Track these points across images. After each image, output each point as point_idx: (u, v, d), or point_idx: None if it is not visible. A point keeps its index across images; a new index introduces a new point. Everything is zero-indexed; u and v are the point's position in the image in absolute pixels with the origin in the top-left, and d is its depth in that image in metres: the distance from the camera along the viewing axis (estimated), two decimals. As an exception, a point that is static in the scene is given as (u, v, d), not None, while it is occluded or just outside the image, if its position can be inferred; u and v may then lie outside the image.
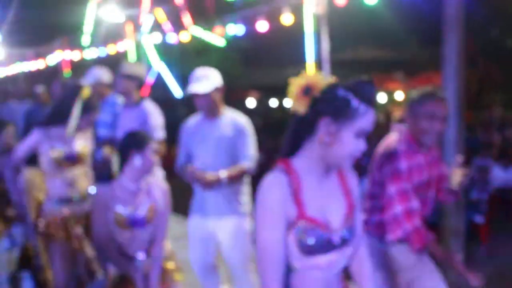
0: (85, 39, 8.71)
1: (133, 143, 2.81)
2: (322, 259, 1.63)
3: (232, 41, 7.56)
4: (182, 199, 6.30)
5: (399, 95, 15.37)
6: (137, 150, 2.77)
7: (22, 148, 3.37)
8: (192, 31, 6.84)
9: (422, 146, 2.55)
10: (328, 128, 1.58)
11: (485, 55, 16.58)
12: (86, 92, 3.35)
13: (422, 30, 14.05)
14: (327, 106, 1.58)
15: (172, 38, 7.27)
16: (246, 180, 3.33)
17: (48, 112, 3.48)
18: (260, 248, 1.61)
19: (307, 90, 1.60)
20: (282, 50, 13.66)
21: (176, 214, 5.73)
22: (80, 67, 8.84)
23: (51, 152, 3.31)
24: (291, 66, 14.72)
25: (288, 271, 1.64)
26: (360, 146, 1.61)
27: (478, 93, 15.30)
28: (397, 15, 12.92)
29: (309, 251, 1.60)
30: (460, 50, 5.18)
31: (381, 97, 15.73)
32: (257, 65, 16.16)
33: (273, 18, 5.33)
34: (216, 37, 6.77)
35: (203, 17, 7.18)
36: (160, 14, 7.33)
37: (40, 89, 7.05)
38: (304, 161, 1.64)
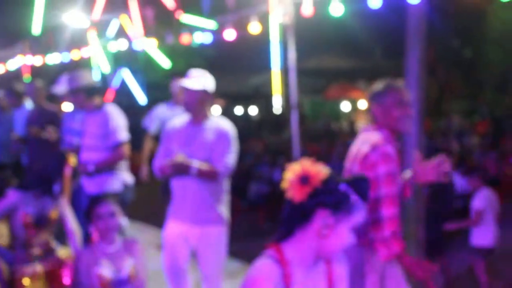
0: (34, 43, 8.47)
1: (91, 210, 2.81)
2: None
3: (198, 49, 7.58)
4: (148, 207, 6.25)
5: (362, 104, 15.65)
6: (97, 217, 2.78)
7: None
8: (141, 45, 6.82)
9: (396, 137, 2.58)
10: (326, 221, 1.57)
11: (445, 64, 17.09)
12: (72, 160, 3.32)
13: (385, 40, 14.39)
14: (328, 198, 1.57)
15: (138, 45, 7.22)
16: (226, 189, 3.31)
17: (30, 177, 3.41)
18: None
19: (304, 179, 1.58)
20: (248, 58, 13.73)
21: (144, 223, 5.67)
22: (41, 73, 8.65)
23: (24, 217, 3.21)
24: (257, 74, 14.83)
25: None
26: (351, 239, 1.61)
27: (438, 101, 15.73)
28: (362, 25, 13.21)
29: None
30: (421, 60, 5.33)
31: (345, 106, 15.98)
32: (222, 73, 16.13)
33: (240, 27, 5.37)
34: (162, 57, 6.80)
35: (169, 26, 7.17)
36: (126, 20, 7.28)
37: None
38: (295, 250, 1.62)
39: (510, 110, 14.60)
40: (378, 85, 2.63)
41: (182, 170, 3.07)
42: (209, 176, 3.13)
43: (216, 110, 17.45)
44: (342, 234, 1.59)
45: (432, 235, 4.10)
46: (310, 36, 10.99)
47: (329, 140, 9.82)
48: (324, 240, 1.58)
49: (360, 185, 1.60)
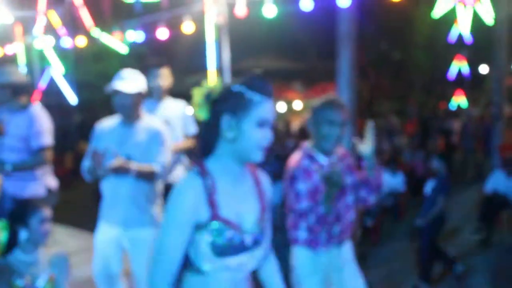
0: None
1: (16, 216, 2.66)
2: (233, 261, 1.64)
3: (131, 48, 7.39)
4: (75, 211, 6.03)
5: (298, 105, 15.92)
6: (22, 224, 2.62)
7: None
8: (94, 33, 6.56)
9: (326, 153, 2.62)
10: (229, 124, 1.62)
11: (375, 67, 17.70)
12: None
13: (320, 43, 14.70)
14: (224, 103, 1.63)
15: (67, 42, 6.95)
16: (159, 191, 3.25)
17: None
18: (160, 249, 1.63)
19: (208, 96, 1.65)
20: (183, 58, 13.60)
21: (70, 228, 5.47)
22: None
23: None
24: (192, 74, 14.72)
25: (195, 274, 1.65)
26: (266, 135, 1.64)
27: (369, 102, 16.26)
28: (297, 27, 13.42)
29: (221, 252, 1.61)
30: (352, 62, 5.48)
31: (281, 106, 16.17)
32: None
33: (174, 26, 5.29)
34: (118, 43, 6.57)
35: (100, 22, 6.95)
36: (54, 17, 6.98)
37: None
38: (218, 163, 1.67)
39: (436, 111, 15.33)
40: (320, 99, 2.68)
41: (121, 172, 2.98)
42: (147, 177, 3.07)
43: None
44: (250, 133, 1.63)
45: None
46: (246, 37, 11.03)
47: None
48: (236, 143, 1.64)
49: (255, 81, 1.66)
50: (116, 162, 2.96)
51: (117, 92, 3.09)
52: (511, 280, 4.65)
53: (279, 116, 15.80)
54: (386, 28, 16.30)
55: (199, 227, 1.61)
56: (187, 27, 5.10)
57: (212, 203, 1.61)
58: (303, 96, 15.67)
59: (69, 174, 9.78)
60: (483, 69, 19.62)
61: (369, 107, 15.56)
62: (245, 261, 1.69)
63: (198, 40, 5.69)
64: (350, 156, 2.81)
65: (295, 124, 14.21)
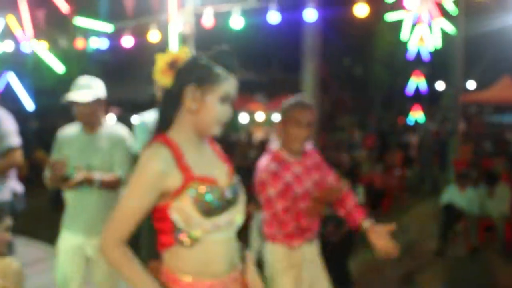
0: None
1: None
2: (222, 219, 1.64)
3: (94, 54, 7.29)
4: (30, 221, 5.86)
5: (260, 116, 16.01)
6: None
7: None
8: (29, 46, 6.42)
9: (294, 153, 2.65)
10: (194, 95, 1.62)
11: (338, 82, 18.05)
12: None
13: (284, 55, 14.87)
14: (190, 74, 1.62)
15: (26, 47, 6.79)
16: None
17: None
18: (120, 210, 1.60)
19: (172, 64, 1.64)
20: (147, 66, 13.46)
21: (25, 237, 5.31)
22: None
23: None
24: (155, 83, 14.59)
25: (189, 246, 1.62)
26: (226, 111, 1.69)
27: (331, 116, 16.53)
28: (262, 40, 13.53)
29: (209, 210, 1.60)
30: (316, 76, 5.59)
31: (243, 118, 16.22)
32: (119, 81, 15.71)
33: (139, 34, 5.25)
34: (55, 61, 6.44)
35: (62, 28, 6.84)
36: (12, 21, 6.81)
37: None
38: (179, 133, 1.67)
39: (395, 126, 15.72)
40: (289, 100, 2.71)
41: (84, 185, 2.91)
42: (112, 185, 3.02)
43: (111, 118, 16.93)
44: (212, 106, 1.64)
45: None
46: (210, 48, 11.04)
47: (227, 151, 9.89)
48: (198, 114, 1.65)
49: (224, 56, 1.69)
50: (78, 176, 2.89)
51: (73, 103, 3.01)
52: (465, 290, 4.80)
53: (242, 126, 15.86)
54: (349, 44, 16.67)
55: (176, 193, 1.59)
56: (153, 36, 5.07)
57: (183, 167, 1.60)
58: (266, 108, 15.78)
59: (24, 182, 9.49)
60: (440, 85, 20.30)
61: (331, 121, 15.80)
62: (233, 218, 1.69)
63: (162, 48, 5.68)
64: (317, 154, 2.85)
65: (257, 136, 14.27)
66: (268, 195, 2.57)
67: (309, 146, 2.78)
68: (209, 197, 1.61)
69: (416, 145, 11.82)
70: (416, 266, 5.50)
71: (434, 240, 6.08)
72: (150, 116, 3.10)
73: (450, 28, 7.16)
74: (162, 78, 1.66)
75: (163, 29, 5.04)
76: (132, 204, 1.59)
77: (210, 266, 1.65)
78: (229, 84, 1.67)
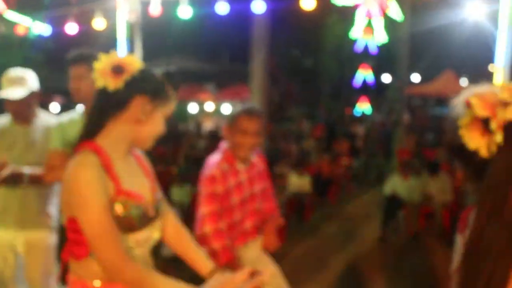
0: None
1: None
2: (141, 235, 1.63)
3: (36, 41, 7.03)
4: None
5: (210, 106, 15.94)
6: None
7: None
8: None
9: (241, 160, 2.65)
10: (144, 107, 1.60)
11: (286, 72, 18.19)
12: None
13: (233, 45, 14.85)
14: (144, 85, 1.60)
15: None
16: (57, 191, 3.10)
17: None
18: (94, 229, 1.50)
19: (119, 69, 1.59)
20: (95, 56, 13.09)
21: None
22: None
23: None
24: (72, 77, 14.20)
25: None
26: (163, 129, 1.70)
27: (279, 107, 16.67)
28: (211, 30, 13.44)
29: (131, 227, 1.58)
30: (264, 67, 5.64)
31: (193, 107, 16.11)
32: (63, 69, 15.20)
33: (84, 21, 5.11)
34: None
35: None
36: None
37: None
38: (109, 141, 1.61)
39: (342, 116, 16.05)
40: (238, 107, 2.72)
41: (13, 180, 2.81)
42: (41, 181, 2.92)
43: (55, 107, 16.42)
44: (157, 122, 1.65)
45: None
46: (159, 36, 10.88)
47: (176, 141, 9.83)
48: (140, 126, 1.62)
49: (173, 77, 1.70)
50: (4, 171, 2.78)
51: (3, 99, 2.89)
52: (406, 274, 5.00)
53: (191, 116, 15.75)
54: (298, 35, 16.82)
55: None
56: (98, 23, 4.95)
57: (113, 178, 1.57)
58: (216, 98, 15.73)
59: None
60: (386, 78, 20.85)
61: (279, 112, 15.95)
62: (151, 234, 1.69)
63: (108, 37, 5.54)
64: (263, 162, 2.88)
65: (207, 126, 14.23)
66: (214, 191, 2.55)
67: (255, 154, 2.79)
68: (134, 214, 1.59)
69: (363, 136, 12.14)
70: (360, 253, 5.69)
71: (377, 227, 6.30)
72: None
73: (399, 17, 7.35)
74: (102, 80, 1.59)
75: (109, 17, 4.93)
76: (104, 220, 1.50)
77: None
78: (173, 105, 1.69)
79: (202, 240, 2.54)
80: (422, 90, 17.02)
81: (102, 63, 1.61)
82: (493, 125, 1.05)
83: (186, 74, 15.12)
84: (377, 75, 17.96)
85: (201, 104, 16.08)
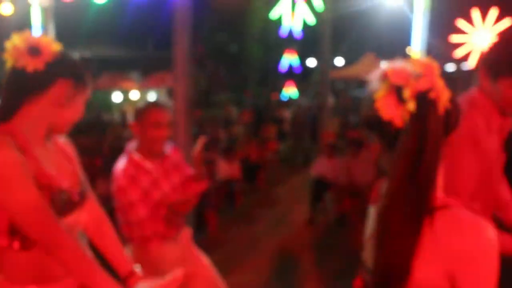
0: None
1: None
2: (69, 219, 1.58)
3: None
4: None
5: (135, 94, 15.55)
6: None
7: None
8: None
9: (154, 156, 2.58)
10: (68, 91, 1.55)
11: (213, 58, 18.08)
12: None
13: (157, 31, 14.51)
14: (67, 68, 1.55)
15: None
16: None
17: None
18: (28, 211, 1.42)
19: (36, 50, 1.50)
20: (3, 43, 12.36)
21: None
22: None
23: None
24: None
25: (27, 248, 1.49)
26: (82, 115, 1.65)
27: (206, 93, 16.57)
28: (133, 15, 13.03)
29: (55, 211, 1.51)
30: (188, 52, 5.53)
31: (117, 96, 15.64)
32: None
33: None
34: None
35: None
36: None
37: None
38: (26, 123, 1.53)
39: (269, 101, 16.22)
40: (142, 103, 2.63)
41: None
42: None
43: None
44: (78, 107, 1.61)
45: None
46: (76, 23, 10.41)
47: (100, 131, 9.51)
48: (61, 111, 1.56)
49: (87, 64, 1.65)
50: None
51: None
52: (334, 252, 5.15)
53: (115, 106, 15.28)
54: (223, 20, 16.72)
55: None
56: (5, 8, 4.64)
57: (34, 161, 1.49)
58: (141, 86, 15.35)
59: None
60: (311, 62, 21.27)
61: (206, 98, 15.85)
62: (78, 218, 1.64)
63: (21, 23, 5.22)
64: (177, 154, 2.80)
65: (132, 115, 13.88)
66: (129, 200, 2.46)
67: (169, 146, 2.72)
68: (59, 198, 1.53)
69: (290, 120, 12.32)
70: (290, 235, 5.79)
71: (306, 210, 6.43)
72: None
73: (319, 5, 7.46)
74: (17, 60, 1.49)
75: (20, 2, 4.64)
76: (36, 201, 1.42)
77: (50, 271, 1.56)
78: (90, 91, 1.64)
79: (142, 243, 2.50)
80: (344, 73, 17.51)
81: (15, 43, 1.51)
82: (406, 93, 1.12)
83: (108, 62, 14.65)
84: (302, 59, 18.33)
85: (125, 93, 15.63)
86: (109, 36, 15.59)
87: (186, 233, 2.77)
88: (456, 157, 1.79)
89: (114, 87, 14.81)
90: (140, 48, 16.94)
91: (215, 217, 6.00)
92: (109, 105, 15.04)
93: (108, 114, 13.71)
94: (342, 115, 12.06)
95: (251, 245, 5.38)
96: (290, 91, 17.63)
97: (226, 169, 7.16)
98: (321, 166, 6.71)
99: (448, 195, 1.22)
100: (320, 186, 6.55)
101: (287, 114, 12.89)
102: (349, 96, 16.94)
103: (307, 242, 5.60)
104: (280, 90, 17.81)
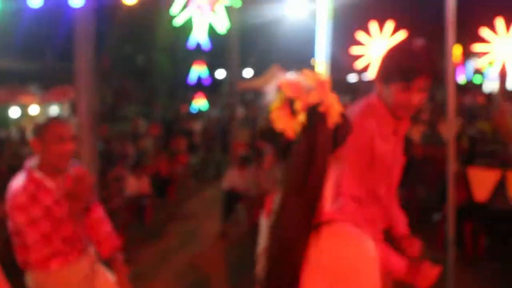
0: None
1: None
2: None
3: None
4: None
5: (34, 109, 14.64)
6: None
7: None
8: None
9: (56, 173, 2.45)
10: None
11: (120, 70, 17.59)
12: None
13: (58, 43, 13.84)
14: None
15: None
16: None
17: None
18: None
19: None
20: None
21: None
22: None
23: None
24: None
25: None
26: None
27: (113, 107, 16.06)
28: (31, 26, 12.34)
29: None
30: (91, 65, 5.30)
31: (14, 112, 14.68)
32: None
33: None
34: None
35: None
36: None
37: None
38: None
39: (179, 113, 16.05)
40: (41, 119, 2.48)
41: None
42: None
43: None
44: None
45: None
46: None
47: (-3, 149, 8.86)
48: None
49: None
50: None
51: None
52: (246, 266, 5.14)
53: (12, 121, 14.31)
54: (130, 32, 16.34)
55: None
56: None
57: None
58: (41, 100, 14.51)
59: None
60: (220, 74, 21.38)
61: (113, 111, 15.35)
62: None
63: None
64: (80, 168, 2.67)
65: (31, 131, 13.08)
66: (28, 218, 2.31)
67: (74, 163, 2.59)
68: None
69: (200, 132, 12.24)
70: (202, 249, 5.71)
71: (218, 223, 6.38)
72: None
73: (225, 19, 7.49)
74: None
75: None
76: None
77: None
78: None
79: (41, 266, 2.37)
80: (253, 84, 17.79)
81: None
82: (298, 105, 1.16)
83: (4, 75, 13.74)
84: (211, 71, 18.34)
85: (24, 108, 14.69)
86: (4, 47, 14.60)
87: (91, 251, 2.64)
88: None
89: (11, 101, 13.89)
90: (40, 59, 16.06)
91: (121, 233, 5.78)
92: (6, 121, 14.09)
93: (5, 130, 12.84)
94: (252, 126, 12.19)
95: (162, 261, 5.25)
96: (199, 103, 17.57)
97: (135, 184, 6.94)
98: (232, 178, 6.71)
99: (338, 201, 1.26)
100: (232, 198, 6.54)
101: (197, 126, 12.80)
102: (258, 107, 17.19)
103: (219, 255, 5.55)
104: (189, 102, 17.69)
